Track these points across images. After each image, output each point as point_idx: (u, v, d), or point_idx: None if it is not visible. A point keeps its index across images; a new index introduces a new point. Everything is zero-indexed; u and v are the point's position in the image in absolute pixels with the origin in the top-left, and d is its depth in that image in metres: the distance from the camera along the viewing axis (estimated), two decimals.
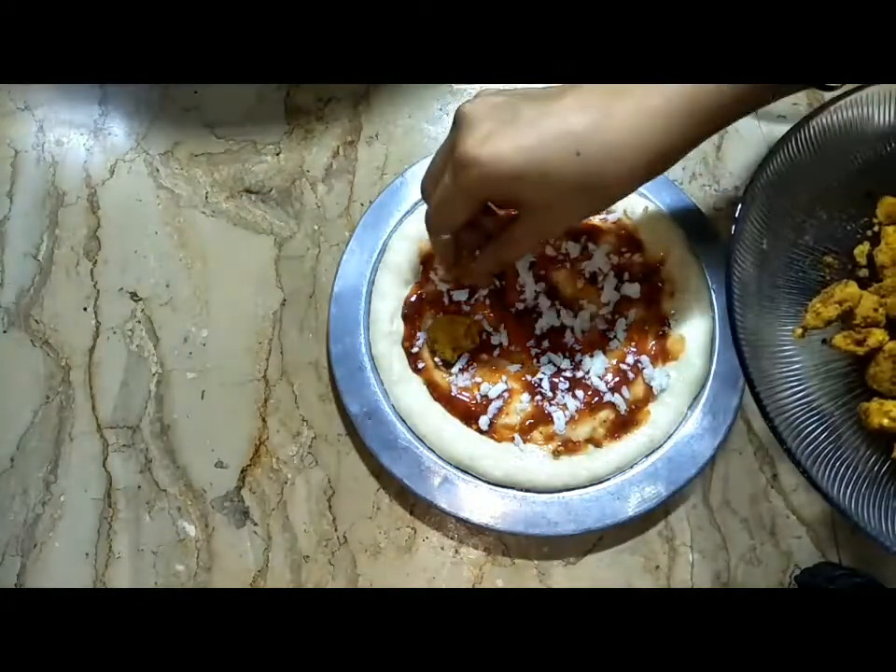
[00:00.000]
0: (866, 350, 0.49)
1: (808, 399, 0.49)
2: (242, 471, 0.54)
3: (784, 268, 0.51)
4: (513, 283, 0.56)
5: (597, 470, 0.51)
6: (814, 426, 0.48)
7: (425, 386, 0.53)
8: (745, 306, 0.47)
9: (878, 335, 0.48)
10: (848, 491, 0.46)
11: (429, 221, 0.49)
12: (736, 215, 0.47)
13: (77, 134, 0.62)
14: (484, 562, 0.53)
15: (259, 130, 0.63)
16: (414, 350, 0.54)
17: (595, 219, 0.58)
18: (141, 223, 0.60)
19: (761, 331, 0.49)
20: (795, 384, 0.49)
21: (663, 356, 0.55)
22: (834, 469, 0.46)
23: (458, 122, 0.44)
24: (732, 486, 0.54)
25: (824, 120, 0.48)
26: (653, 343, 0.55)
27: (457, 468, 0.51)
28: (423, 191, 0.49)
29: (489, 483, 0.51)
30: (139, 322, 0.57)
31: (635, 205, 0.58)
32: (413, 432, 0.52)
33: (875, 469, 0.48)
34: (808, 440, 0.47)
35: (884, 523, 0.45)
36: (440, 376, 0.54)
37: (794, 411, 0.48)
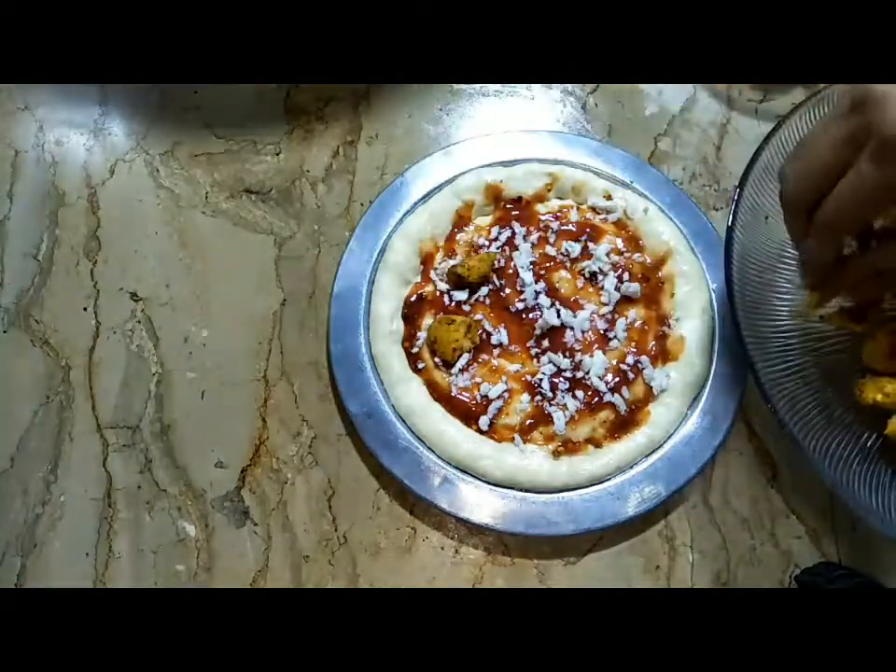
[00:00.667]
0: (863, 327, 0.49)
1: (803, 373, 0.49)
2: (242, 471, 0.54)
3: (786, 244, 0.51)
4: (513, 283, 0.56)
5: (597, 470, 0.51)
6: (807, 400, 0.48)
7: (425, 386, 0.53)
8: (745, 277, 0.47)
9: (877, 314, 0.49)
10: (840, 466, 0.46)
11: (828, 218, 0.40)
12: (736, 191, 0.46)
13: (77, 134, 0.62)
14: (484, 562, 0.52)
15: (259, 130, 0.63)
16: (414, 350, 0.54)
17: (595, 219, 0.58)
18: (141, 223, 0.60)
19: (759, 304, 0.49)
20: (791, 358, 0.49)
21: (663, 356, 0.55)
22: (826, 444, 0.47)
23: (871, 100, 0.37)
24: (732, 486, 0.54)
25: (816, 107, 0.48)
26: (653, 343, 0.55)
27: (457, 468, 0.51)
28: (791, 194, 0.42)
29: (489, 483, 0.51)
30: (139, 322, 0.57)
31: (635, 205, 0.58)
32: (412, 432, 0.52)
33: (868, 445, 0.48)
34: (801, 412, 0.47)
35: (874, 498, 0.45)
36: (440, 376, 0.54)
37: (789, 384, 0.48)
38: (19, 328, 0.57)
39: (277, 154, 0.62)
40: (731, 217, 0.47)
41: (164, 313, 0.58)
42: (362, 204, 0.60)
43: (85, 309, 0.57)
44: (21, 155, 0.61)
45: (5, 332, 0.57)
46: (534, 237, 0.57)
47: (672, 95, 0.65)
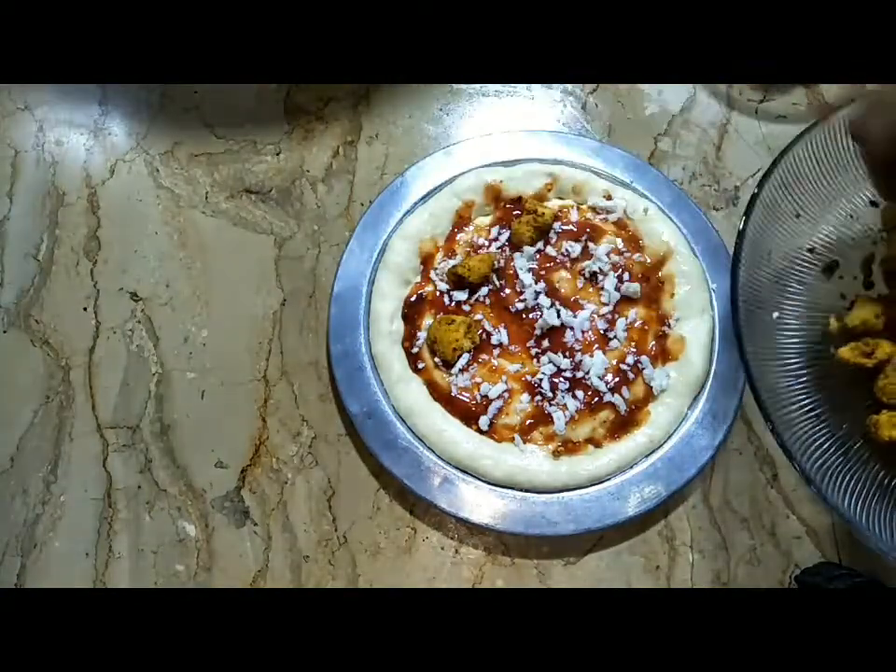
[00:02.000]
0: (874, 362, 0.48)
1: (816, 412, 0.48)
2: (242, 471, 0.54)
3: (790, 279, 0.51)
4: (513, 283, 0.56)
5: (597, 471, 0.51)
6: (822, 439, 0.47)
7: (425, 386, 0.53)
8: (751, 320, 0.47)
9: (886, 347, 0.48)
10: (858, 505, 0.45)
11: None
12: (740, 226, 0.46)
13: (77, 134, 0.62)
14: (484, 562, 0.53)
15: (259, 130, 0.63)
16: (414, 350, 0.54)
17: (596, 219, 0.58)
18: (141, 223, 0.60)
19: (768, 344, 0.49)
20: (803, 397, 0.49)
21: (663, 355, 0.55)
22: (844, 483, 0.46)
23: None
24: (732, 486, 0.54)
25: (829, 128, 0.48)
26: (653, 342, 0.55)
27: (457, 468, 0.51)
28: (877, 152, 0.42)
29: (489, 483, 0.51)
30: (139, 322, 0.57)
31: (635, 205, 0.58)
32: (412, 432, 0.52)
33: (886, 482, 0.47)
34: (817, 454, 0.46)
35: (895, 536, 0.45)
36: (440, 376, 0.54)
37: (802, 424, 0.47)
38: (19, 328, 0.57)
39: (277, 154, 0.62)
40: (734, 257, 0.45)
41: (164, 313, 0.58)
42: (362, 204, 0.60)
43: (85, 309, 0.57)
44: (20, 155, 0.61)
45: (5, 332, 0.57)
46: None
47: (672, 95, 0.65)
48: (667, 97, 0.65)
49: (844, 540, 0.53)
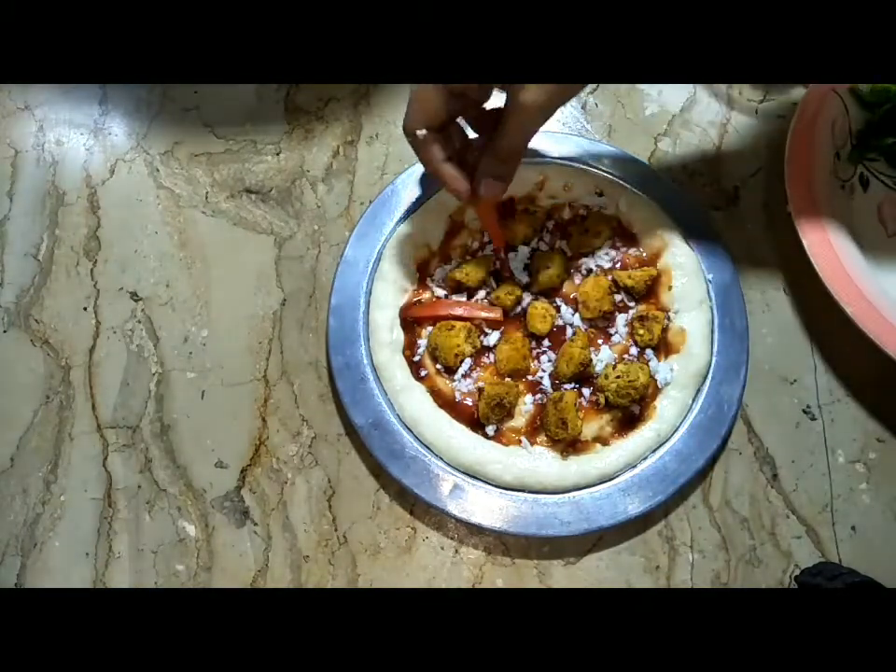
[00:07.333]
0: None
1: None
2: (242, 471, 0.54)
3: None
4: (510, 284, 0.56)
5: (607, 468, 0.51)
6: None
7: (428, 394, 0.53)
8: None
9: None
10: None
11: (406, 119, 0.48)
12: None
13: (77, 134, 0.62)
14: (484, 562, 0.52)
15: (259, 130, 0.63)
16: (416, 358, 0.54)
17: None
18: (141, 223, 0.60)
19: None
20: None
21: (665, 348, 0.55)
22: None
23: None
24: (732, 486, 0.54)
25: None
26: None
27: (466, 473, 0.51)
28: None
29: (499, 487, 0.51)
30: (139, 322, 0.57)
31: (627, 199, 0.57)
32: (419, 441, 0.52)
33: None
34: None
35: None
36: (442, 383, 0.53)
37: None
38: (19, 328, 0.57)
39: (277, 154, 0.62)
40: None
41: (164, 313, 0.58)
42: (362, 204, 0.60)
43: (85, 309, 0.57)
44: (20, 155, 0.62)
45: (5, 332, 0.57)
46: None
47: (672, 95, 0.65)
48: (667, 97, 0.65)
49: (844, 540, 0.53)
